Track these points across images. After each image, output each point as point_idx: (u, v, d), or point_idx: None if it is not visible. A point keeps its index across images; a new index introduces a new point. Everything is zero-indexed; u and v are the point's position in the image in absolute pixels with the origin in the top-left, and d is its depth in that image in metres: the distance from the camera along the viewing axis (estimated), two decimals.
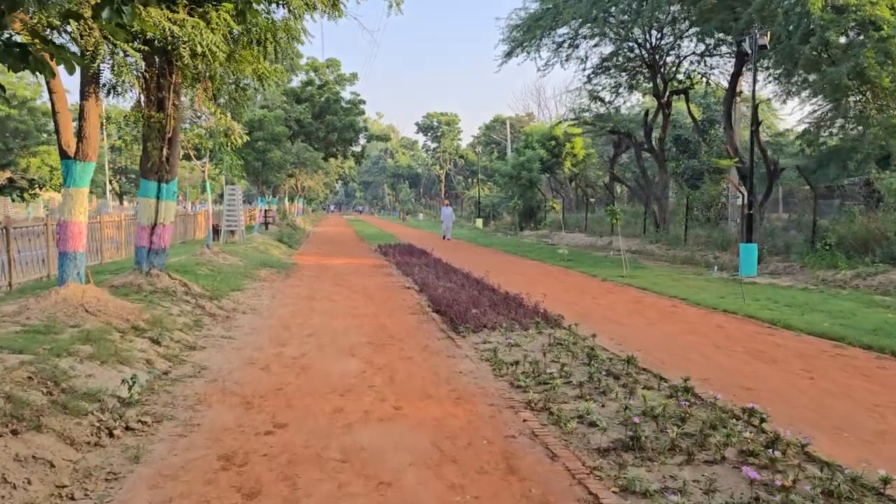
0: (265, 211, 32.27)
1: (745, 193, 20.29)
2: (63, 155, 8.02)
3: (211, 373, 7.04)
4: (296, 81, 35.24)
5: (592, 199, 34.44)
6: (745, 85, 23.92)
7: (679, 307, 11.87)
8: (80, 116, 7.95)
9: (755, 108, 16.69)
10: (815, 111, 28.27)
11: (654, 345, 8.68)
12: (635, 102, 39.80)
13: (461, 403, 6.10)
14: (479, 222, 48.23)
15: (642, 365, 7.28)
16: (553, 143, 42.33)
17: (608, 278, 16.05)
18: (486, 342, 8.74)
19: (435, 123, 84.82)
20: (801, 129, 29.09)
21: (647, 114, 28.10)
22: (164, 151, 10.37)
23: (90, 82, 7.92)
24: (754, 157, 17.70)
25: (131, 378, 5.79)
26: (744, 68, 21.40)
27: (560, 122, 32.21)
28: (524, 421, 5.61)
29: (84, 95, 7.94)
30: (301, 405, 5.99)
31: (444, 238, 32.02)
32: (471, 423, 5.57)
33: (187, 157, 18.51)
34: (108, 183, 63.56)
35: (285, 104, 30.79)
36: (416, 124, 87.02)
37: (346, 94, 36.57)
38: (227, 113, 13.08)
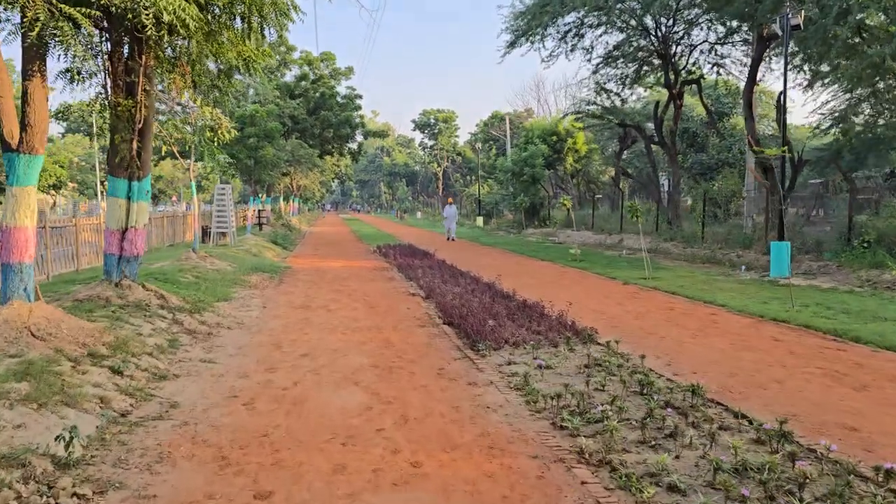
0: (259, 211, 30.92)
1: (771, 186, 19.03)
2: (5, 148, 6.68)
3: (182, 412, 5.72)
4: (289, 76, 33.87)
5: (599, 196, 33.16)
6: (763, 74, 22.67)
7: (720, 315, 10.56)
8: (23, 100, 6.60)
9: (785, 93, 15.40)
10: (827, 101, 27.08)
11: (709, 365, 7.38)
12: (641, 95, 38.59)
13: (496, 455, 4.79)
14: (480, 220, 46.93)
15: (709, 395, 5.98)
16: (555, 138, 41.05)
17: (630, 280, 14.75)
18: (511, 363, 7.44)
19: (432, 120, 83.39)
20: (813, 120, 27.89)
21: (657, 106, 26.81)
22: (135, 145, 9.02)
23: (34, 59, 6.59)
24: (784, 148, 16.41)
25: (70, 430, 4.46)
26: (765, 54, 20.12)
27: (564, 116, 30.84)
28: (582, 483, 4.29)
29: (26, 75, 6.60)
30: (292, 462, 4.67)
31: (448, 239, 30.30)
32: (514, 488, 4.26)
33: (171, 156, 17.14)
34: (98, 184, 62.06)
35: (278, 99, 29.41)
36: (413, 121, 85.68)
37: (341, 88, 35.25)
38: (209, 102, 11.72)
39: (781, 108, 18.16)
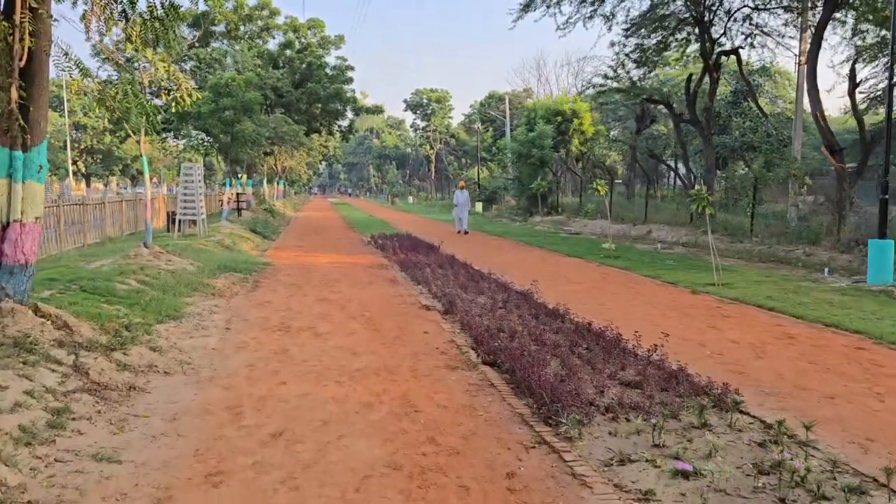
0: (237, 195, 27.61)
1: (840, 169, 16.05)
2: None
3: None
4: (272, 44, 30.42)
5: (618, 181, 30.12)
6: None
7: (868, 349, 7.54)
8: None
9: (893, 54, 12.32)
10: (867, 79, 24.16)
11: None
12: (660, 71, 35.46)
13: None
14: (479, 206, 43.80)
15: None
16: (559, 118, 37.92)
17: (697, 288, 11.73)
18: (624, 459, 4.40)
19: (424, 100, 79.84)
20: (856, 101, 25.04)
21: (689, 79, 23.73)
22: (15, 93, 5.79)
23: None
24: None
25: None
26: (834, 13, 17.07)
27: (584, 89, 27.63)
28: None
29: None
30: None
31: (458, 231, 24.95)
32: None
33: (114, 132, 13.85)
34: (70, 164, 58.19)
35: (259, 68, 26.02)
36: (405, 101, 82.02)
37: (331, 59, 31.78)
38: (148, 45, 8.50)
39: (852, 79, 15.19)
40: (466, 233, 24.34)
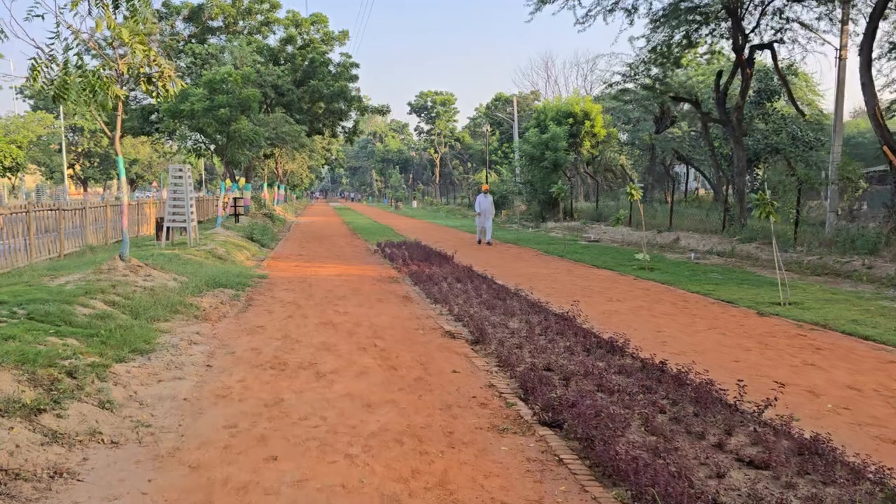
0: (235, 199, 25.98)
1: None
2: None
3: None
4: (273, 40, 28.74)
5: (642, 185, 28.40)
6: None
7: None
8: None
9: None
10: None
11: None
12: (682, 70, 33.80)
13: None
14: None
15: None
16: (571, 120, 36.34)
17: (762, 309, 10.04)
18: None
19: (429, 103, 78.22)
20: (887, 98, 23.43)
21: (719, 76, 22.07)
22: None
23: None
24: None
25: None
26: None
27: (609, 85, 25.91)
28: None
29: None
30: None
31: (479, 242, 21.85)
32: None
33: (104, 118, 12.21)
34: (65, 167, 56.57)
35: (258, 64, 24.34)
36: (409, 104, 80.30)
37: (335, 56, 30.21)
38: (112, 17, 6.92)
39: None
40: (489, 244, 21.44)
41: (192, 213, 15.89)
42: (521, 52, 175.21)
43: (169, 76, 10.53)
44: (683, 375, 5.99)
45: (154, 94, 10.57)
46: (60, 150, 56.55)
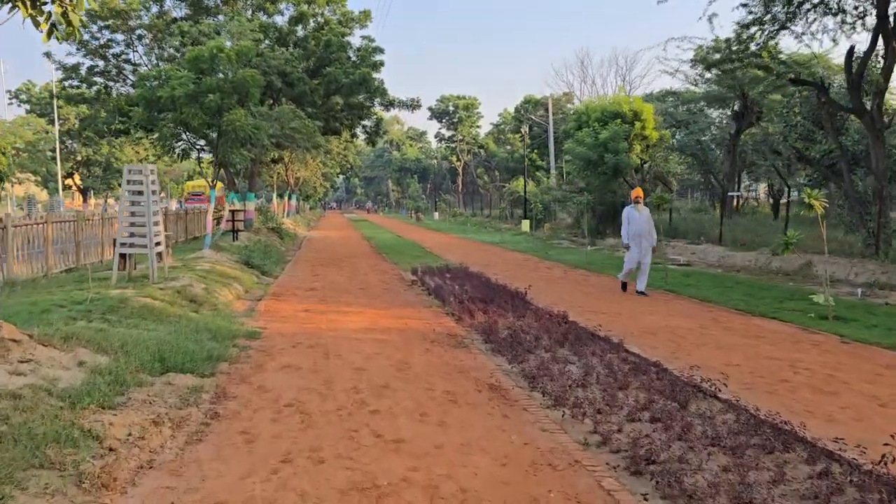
0: (233, 213, 21.26)
1: None
2: None
3: None
4: (280, 20, 24.02)
5: (735, 193, 23.42)
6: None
7: None
8: None
9: None
10: None
11: None
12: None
13: None
14: (525, 224, 37.29)
15: None
16: (618, 121, 31.54)
17: None
18: None
19: (451, 108, 73.48)
20: None
21: (850, 53, 17.07)
22: None
23: None
24: None
25: None
26: None
27: (719, 60, 21.06)
28: None
29: None
30: None
31: (624, 288, 13.33)
32: None
33: None
34: (60, 175, 52.26)
35: (261, 43, 19.64)
36: (430, 109, 75.53)
37: (355, 39, 25.50)
38: None
39: None
40: (643, 293, 12.90)
41: (157, 232, 11.09)
42: (544, 55, 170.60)
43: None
44: None
45: (44, 25, 5.82)
46: (55, 158, 52.33)
